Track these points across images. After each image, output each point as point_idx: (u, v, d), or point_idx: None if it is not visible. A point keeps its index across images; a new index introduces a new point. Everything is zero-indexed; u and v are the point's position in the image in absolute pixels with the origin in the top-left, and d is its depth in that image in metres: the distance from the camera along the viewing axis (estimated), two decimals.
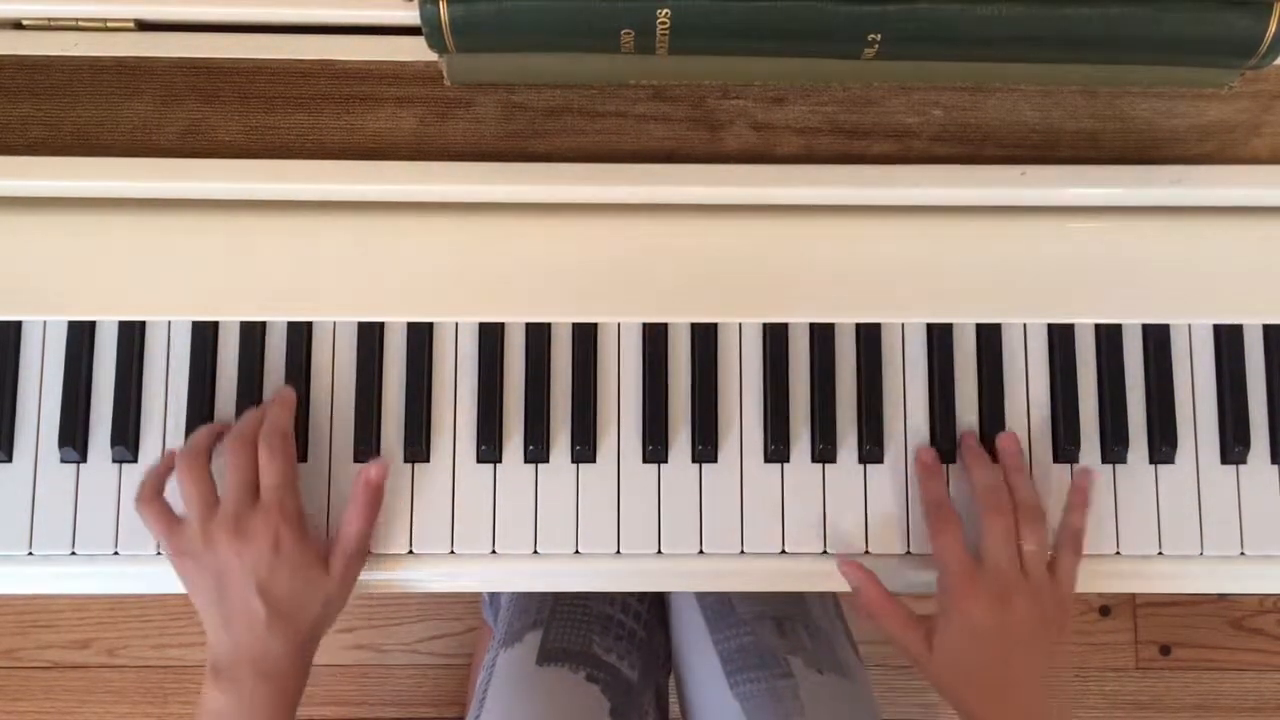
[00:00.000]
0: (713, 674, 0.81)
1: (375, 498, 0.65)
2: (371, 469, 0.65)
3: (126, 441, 0.67)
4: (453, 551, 0.67)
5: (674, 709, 0.90)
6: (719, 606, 0.84)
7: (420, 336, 0.69)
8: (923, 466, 0.67)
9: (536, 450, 0.68)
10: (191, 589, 0.63)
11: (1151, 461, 0.69)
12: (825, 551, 0.68)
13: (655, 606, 0.90)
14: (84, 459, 0.68)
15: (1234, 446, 0.69)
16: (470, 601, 1.36)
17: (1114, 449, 0.68)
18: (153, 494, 0.64)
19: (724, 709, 0.79)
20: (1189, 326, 0.70)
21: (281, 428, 0.64)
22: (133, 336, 0.68)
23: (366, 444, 0.68)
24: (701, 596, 0.85)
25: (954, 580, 0.63)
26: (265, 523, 0.61)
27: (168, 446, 0.68)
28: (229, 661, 0.61)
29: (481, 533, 0.68)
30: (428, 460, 0.68)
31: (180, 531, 0.63)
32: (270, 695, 0.61)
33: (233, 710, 0.60)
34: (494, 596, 1.05)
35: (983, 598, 0.62)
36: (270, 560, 0.60)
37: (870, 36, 0.56)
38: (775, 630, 0.81)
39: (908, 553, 0.68)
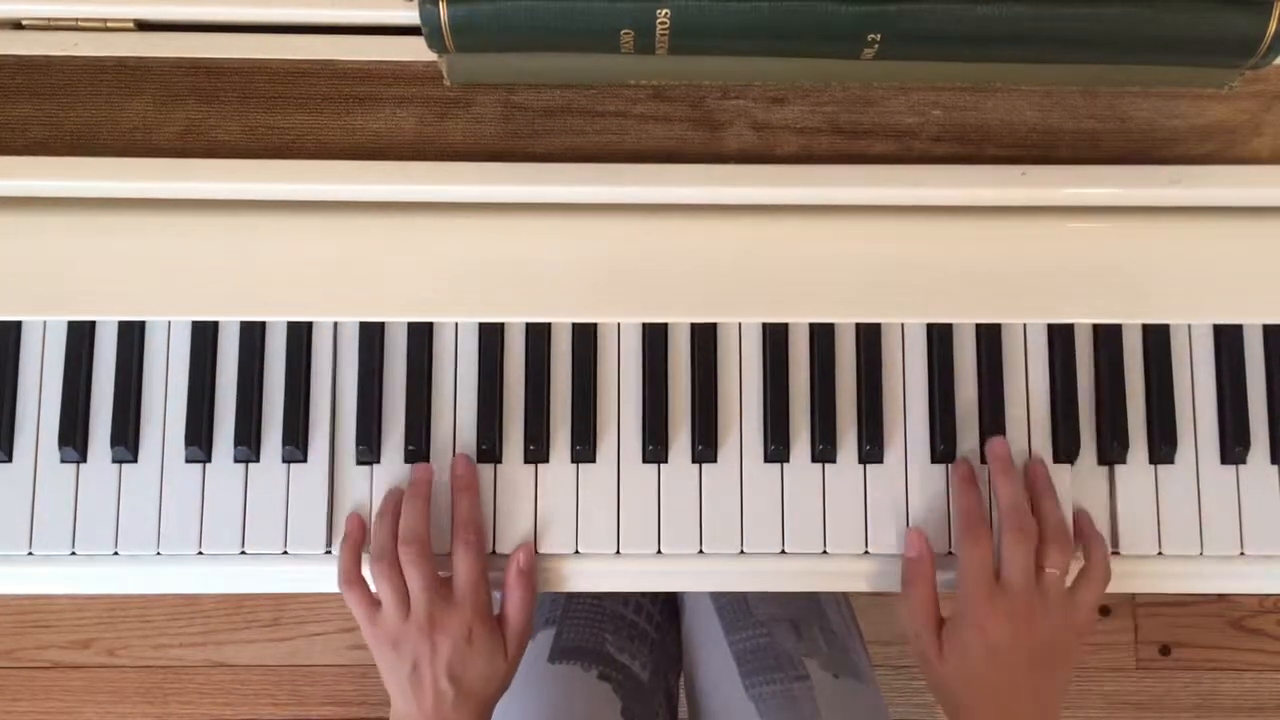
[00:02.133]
0: (727, 674, 0.81)
1: (531, 581, 0.66)
2: (520, 556, 0.66)
3: (126, 441, 0.67)
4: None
5: (681, 710, 0.90)
6: (735, 607, 0.84)
7: (420, 337, 0.69)
8: (961, 478, 0.67)
9: (536, 450, 0.68)
10: (382, 665, 0.66)
11: (1151, 461, 0.69)
12: (825, 551, 0.68)
13: (667, 607, 0.90)
14: (84, 459, 0.68)
15: (1234, 446, 0.69)
16: None
17: (1113, 449, 0.68)
18: (353, 577, 0.66)
19: (738, 710, 0.79)
20: (1189, 326, 0.70)
21: (476, 523, 0.66)
22: (133, 336, 0.68)
23: (367, 444, 0.68)
24: (717, 597, 0.85)
25: (974, 593, 0.63)
26: (460, 619, 0.63)
27: (168, 447, 0.68)
28: None
29: (482, 532, 0.68)
30: (428, 460, 0.68)
31: (380, 619, 0.65)
32: None
33: None
34: None
35: (1000, 616, 0.62)
36: (464, 650, 0.63)
37: (870, 36, 0.56)
38: (792, 632, 0.81)
39: None
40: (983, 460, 0.68)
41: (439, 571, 0.65)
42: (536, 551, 0.68)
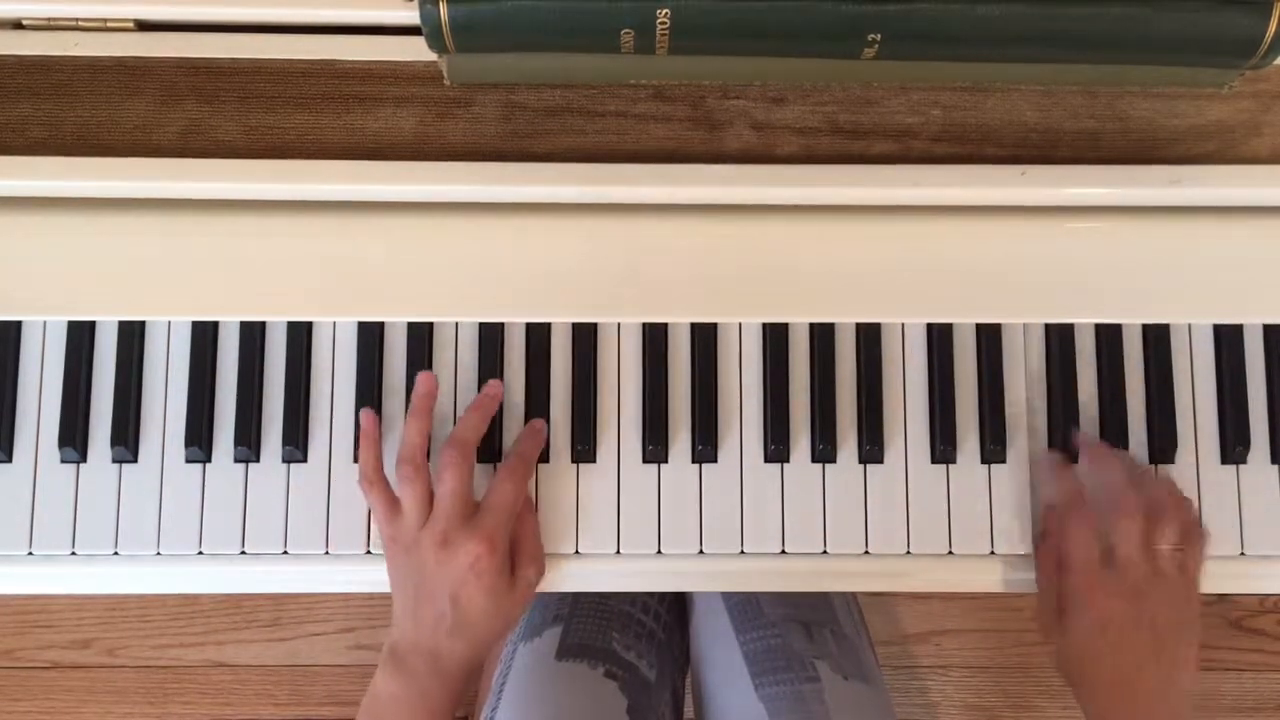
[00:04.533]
0: (737, 674, 0.81)
1: (532, 519, 0.66)
2: (516, 492, 0.65)
3: (126, 441, 0.67)
4: None
5: (687, 710, 0.90)
6: (746, 607, 0.84)
7: (420, 337, 0.69)
8: (1054, 463, 0.67)
9: None
10: (391, 571, 0.65)
11: (1151, 461, 0.69)
12: (825, 551, 0.68)
13: (674, 607, 0.90)
14: (84, 459, 0.68)
15: (1234, 446, 0.69)
16: None
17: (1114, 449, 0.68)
18: (376, 475, 0.65)
19: (748, 710, 0.78)
20: (1189, 326, 0.70)
21: (529, 457, 0.65)
22: (133, 336, 0.68)
23: None
24: (729, 596, 0.85)
25: (1087, 572, 0.63)
26: (473, 544, 0.62)
27: (168, 447, 0.68)
28: (408, 648, 0.63)
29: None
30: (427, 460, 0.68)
31: (397, 521, 0.64)
32: (440, 692, 0.63)
33: (404, 697, 0.62)
34: None
35: (1115, 593, 0.62)
36: (467, 578, 0.62)
37: (870, 36, 0.56)
38: (803, 634, 0.81)
39: (908, 552, 0.68)
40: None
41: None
42: None
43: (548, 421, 0.68)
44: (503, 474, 0.64)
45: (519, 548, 0.65)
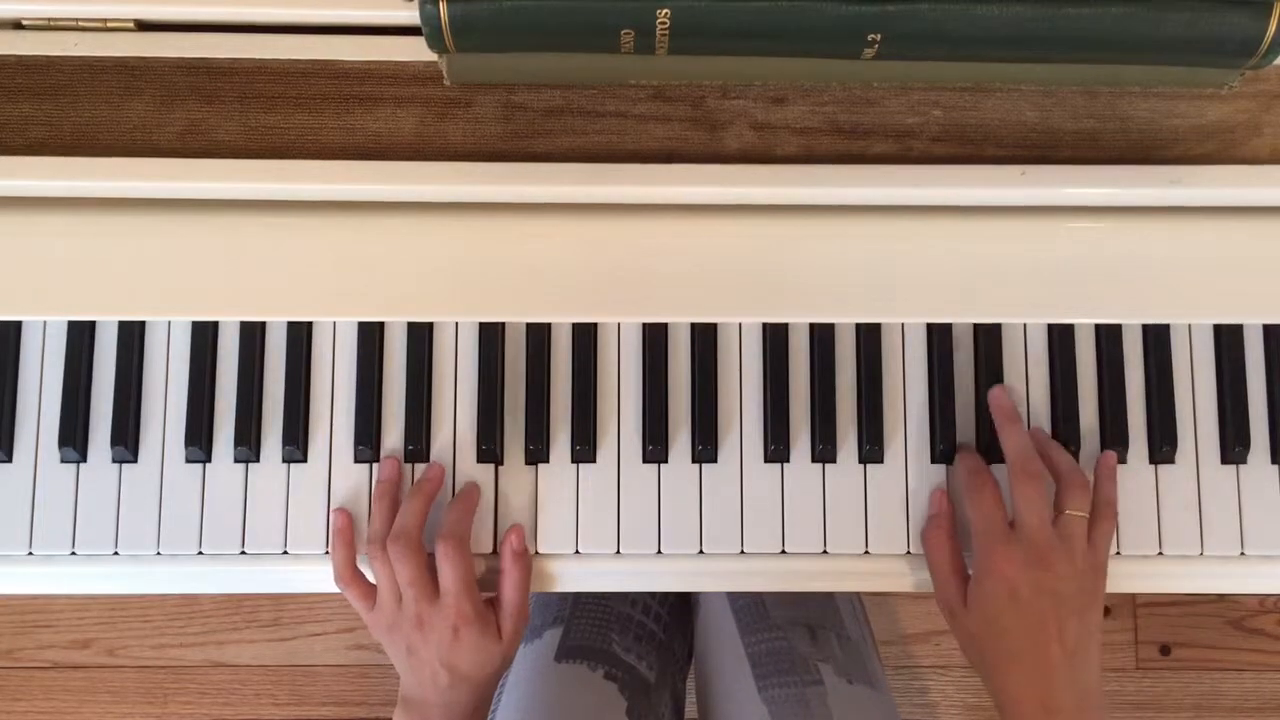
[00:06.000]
0: (741, 676, 0.81)
1: (525, 561, 0.67)
2: (513, 538, 0.67)
3: (126, 441, 0.67)
4: None
5: (689, 710, 0.90)
6: (752, 610, 0.84)
7: (420, 337, 0.69)
8: (960, 447, 0.67)
9: (536, 450, 0.68)
10: (385, 647, 0.67)
11: (1151, 461, 0.69)
12: (825, 551, 0.68)
13: (675, 609, 0.90)
14: (84, 459, 0.68)
15: (1234, 446, 0.69)
16: None
17: (1114, 449, 0.68)
18: (351, 574, 0.67)
19: (751, 712, 0.78)
20: (1189, 326, 0.70)
21: (462, 535, 0.66)
22: (133, 336, 0.68)
23: (367, 444, 0.68)
24: (734, 599, 0.85)
25: (989, 541, 0.63)
26: (445, 622, 0.64)
27: (168, 447, 0.68)
28: (418, 701, 0.66)
29: (482, 533, 0.68)
30: (428, 460, 0.68)
31: (375, 611, 0.66)
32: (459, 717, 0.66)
33: None
34: None
35: (1018, 560, 0.61)
36: (452, 645, 0.64)
37: (870, 36, 0.56)
38: (808, 637, 0.81)
39: (908, 552, 0.68)
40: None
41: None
42: (537, 552, 0.68)
43: (548, 421, 0.68)
44: (440, 561, 0.65)
45: (502, 601, 0.66)
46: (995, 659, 0.62)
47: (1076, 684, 0.60)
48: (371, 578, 0.66)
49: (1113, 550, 0.68)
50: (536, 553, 0.68)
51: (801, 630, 0.82)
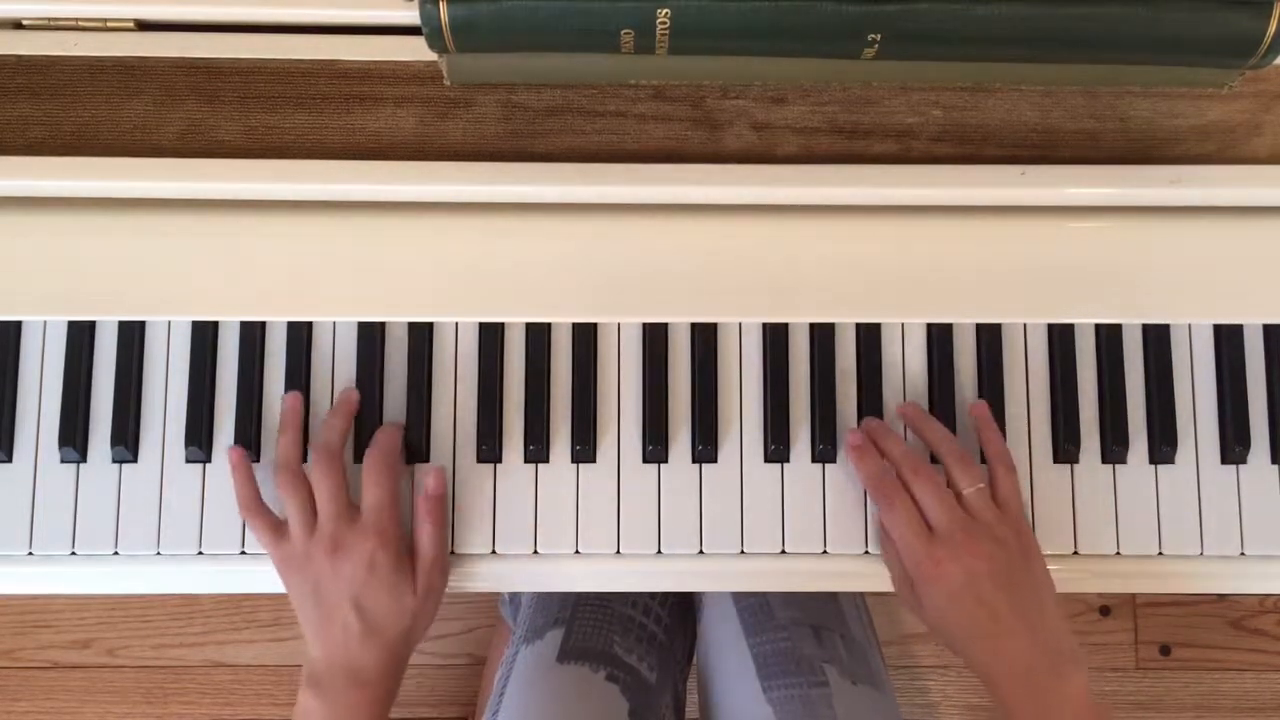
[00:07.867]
0: (745, 676, 0.81)
1: (438, 507, 0.66)
2: (429, 480, 0.66)
3: (126, 441, 0.67)
4: (453, 551, 0.67)
5: (690, 711, 0.90)
6: (757, 610, 0.84)
7: (420, 336, 0.69)
8: (851, 447, 0.67)
9: (536, 450, 0.68)
10: (292, 595, 0.65)
11: (1151, 461, 0.69)
12: (825, 551, 0.68)
13: (675, 610, 0.90)
14: (84, 459, 0.68)
15: (1234, 446, 0.69)
16: (470, 602, 1.36)
17: (1114, 449, 0.68)
18: (255, 503, 0.65)
19: (755, 713, 0.78)
20: (1189, 326, 0.70)
21: (392, 449, 0.65)
22: (133, 336, 0.68)
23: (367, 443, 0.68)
24: (739, 599, 0.85)
25: (913, 555, 0.63)
26: (362, 543, 0.63)
27: (168, 447, 0.68)
28: (324, 669, 0.63)
29: (482, 533, 0.68)
30: (427, 460, 0.68)
31: (285, 542, 0.64)
32: (362, 702, 0.63)
33: (326, 715, 0.62)
34: (514, 595, 1.05)
35: (944, 559, 0.62)
36: (365, 578, 0.62)
37: (870, 36, 0.56)
38: (813, 638, 0.81)
39: None
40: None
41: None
42: (537, 552, 0.68)
43: (548, 421, 0.68)
44: (366, 479, 0.64)
45: (418, 553, 0.65)
46: (961, 644, 0.63)
47: (1039, 641, 0.61)
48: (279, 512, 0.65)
49: (1111, 550, 0.68)
50: (537, 553, 0.68)
51: (806, 631, 0.82)
